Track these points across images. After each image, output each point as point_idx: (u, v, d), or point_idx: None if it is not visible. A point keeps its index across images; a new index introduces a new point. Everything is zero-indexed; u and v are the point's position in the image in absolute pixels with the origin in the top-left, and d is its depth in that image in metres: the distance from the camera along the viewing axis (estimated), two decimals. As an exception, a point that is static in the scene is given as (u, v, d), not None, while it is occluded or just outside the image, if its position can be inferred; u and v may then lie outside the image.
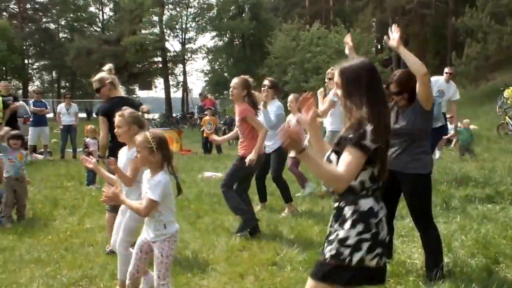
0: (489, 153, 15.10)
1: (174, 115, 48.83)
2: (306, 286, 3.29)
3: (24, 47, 62.02)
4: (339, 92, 3.25)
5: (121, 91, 7.01)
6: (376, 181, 3.22)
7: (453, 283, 5.06)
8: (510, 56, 31.37)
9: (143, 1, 53.32)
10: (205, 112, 19.42)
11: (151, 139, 4.24)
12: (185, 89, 59.09)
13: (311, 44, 43.01)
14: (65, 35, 66.76)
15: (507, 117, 20.07)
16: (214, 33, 58.53)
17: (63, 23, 66.59)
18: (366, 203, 3.16)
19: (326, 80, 9.65)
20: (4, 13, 62.86)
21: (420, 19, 51.46)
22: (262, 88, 8.67)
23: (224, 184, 7.31)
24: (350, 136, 3.08)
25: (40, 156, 16.79)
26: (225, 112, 36.12)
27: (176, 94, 60.69)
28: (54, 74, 68.72)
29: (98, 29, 65.84)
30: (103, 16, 67.20)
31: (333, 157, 3.20)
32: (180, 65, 60.59)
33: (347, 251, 3.12)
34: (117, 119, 5.23)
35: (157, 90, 62.25)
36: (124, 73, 52.73)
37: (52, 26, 67.26)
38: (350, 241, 3.12)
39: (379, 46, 56.63)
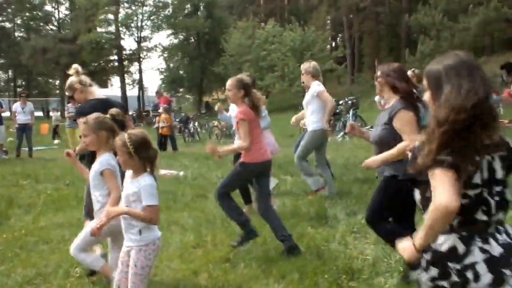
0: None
1: (130, 113, 48.69)
2: None
3: (-21, 46, 61.39)
4: None
5: (95, 90, 6.39)
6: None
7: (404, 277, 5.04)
8: (463, 53, 32.41)
9: (98, -1, 53.25)
10: (159, 110, 19.62)
11: (128, 143, 3.93)
12: (141, 87, 59.20)
13: (266, 42, 43.57)
14: (21, 34, 66.28)
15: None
16: (169, 31, 58.73)
17: (18, 22, 65.87)
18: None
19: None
20: (-41, 12, 62.13)
21: (374, 17, 52.37)
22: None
23: (221, 192, 6.37)
24: None
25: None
26: (180, 109, 36.42)
27: (132, 92, 60.35)
28: (10, 73, 68.14)
29: (54, 28, 65.45)
30: (59, 14, 66.84)
31: None
32: (136, 63, 60.61)
33: None
34: (82, 127, 4.77)
35: (113, 88, 61.98)
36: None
37: (7, 25, 66.44)
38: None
39: (333, 44, 57.73)
